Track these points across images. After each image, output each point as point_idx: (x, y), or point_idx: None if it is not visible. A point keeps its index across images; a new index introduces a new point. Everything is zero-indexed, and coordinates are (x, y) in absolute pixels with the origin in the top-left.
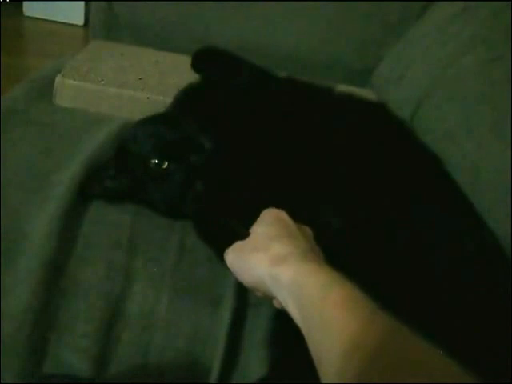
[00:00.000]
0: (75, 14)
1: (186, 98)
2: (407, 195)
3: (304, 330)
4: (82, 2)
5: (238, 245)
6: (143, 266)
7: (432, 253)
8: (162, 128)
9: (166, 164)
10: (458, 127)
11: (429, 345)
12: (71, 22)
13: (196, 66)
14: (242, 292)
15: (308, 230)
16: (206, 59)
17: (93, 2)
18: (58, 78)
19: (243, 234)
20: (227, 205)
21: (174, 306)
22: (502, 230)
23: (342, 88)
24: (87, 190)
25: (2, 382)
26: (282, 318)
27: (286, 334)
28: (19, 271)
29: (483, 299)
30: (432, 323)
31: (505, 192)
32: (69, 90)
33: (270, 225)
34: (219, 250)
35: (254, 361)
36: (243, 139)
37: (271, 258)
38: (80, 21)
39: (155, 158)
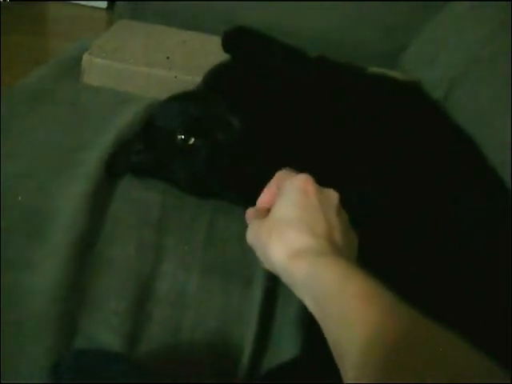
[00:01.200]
0: None
1: (216, 78)
2: (443, 178)
3: (322, 324)
4: None
5: (256, 223)
6: (173, 245)
7: (469, 240)
8: (189, 105)
9: (192, 140)
10: (491, 108)
11: (454, 336)
12: (94, 5)
13: (226, 45)
14: None
15: (332, 197)
16: (236, 39)
17: None
18: (86, 57)
19: None
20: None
21: (204, 284)
22: None
23: (372, 69)
24: (113, 165)
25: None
26: None
27: None
28: (49, 248)
29: None
30: (468, 313)
31: None
32: (96, 69)
33: (291, 204)
34: None
35: (286, 340)
36: (273, 118)
37: (286, 251)
38: (103, 4)
39: (182, 134)
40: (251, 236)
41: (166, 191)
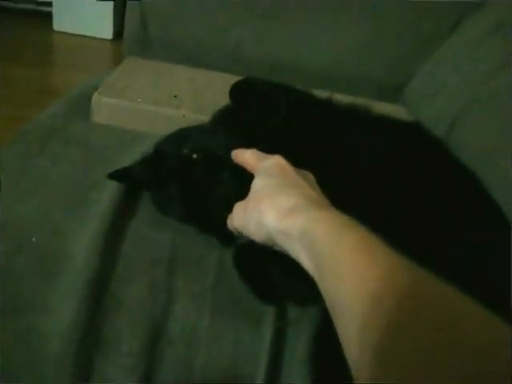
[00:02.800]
0: (104, 29)
1: (222, 117)
2: (448, 216)
3: (319, 282)
4: (111, 17)
5: (240, 204)
6: (184, 284)
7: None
8: (195, 132)
9: (195, 155)
10: (495, 145)
11: (454, 289)
12: (100, 36)
13: (233, 97)
14: (283, 310)
15: (310, 176)
16: (243, 91)
17: (126, 19)
18: (95, 96)
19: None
20: None
21: (215, 324)
22: None
23: (375, 104)
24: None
25: None
26: (323, 335)
27: (327, 351)
28: (64, 289)
29: None
30: None
31: None
32: (106, 108)
33: (271, 176)
34: (256, 288)
35: (296, 379)
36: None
37: (278, 212)
38: (109, 35)
39: (185, 149)
40: (238, 217)
41: (176, 230)
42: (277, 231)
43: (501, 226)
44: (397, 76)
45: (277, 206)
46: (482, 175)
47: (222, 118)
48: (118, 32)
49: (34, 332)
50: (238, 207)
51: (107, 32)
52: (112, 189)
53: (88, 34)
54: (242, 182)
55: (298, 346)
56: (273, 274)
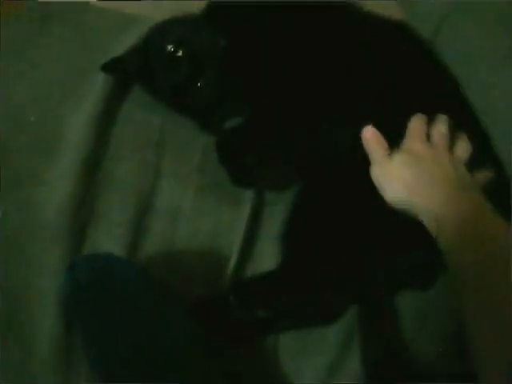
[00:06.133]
0: None
1: (214, 11)
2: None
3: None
4: None
5: (385, 162)
6: (171, 165)
7: None
8: (183, 25)
9: (180, 52)
10: (476, 50)
11: None
12: None
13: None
14: (261, 192)
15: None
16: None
17: None
18: None
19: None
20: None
21: (198, 202)
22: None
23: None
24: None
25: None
26: (295, 216)
27: (297, 231)
28: (60, 166)
29: None
30: None
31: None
32: None
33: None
34: (233, 172)
35: (267, 254)
36: (259, 48)
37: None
38: None
39: (171, 45)
40: (378, 171)
41: (165, 115)
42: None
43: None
44: None
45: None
46: (461, 78)
47: (213, 10)
48: None
49: (31, 203)
50: (382, 163)
51: None
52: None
53: None
54: (227, 80)
55: (272, 226)
56: (249, 160)
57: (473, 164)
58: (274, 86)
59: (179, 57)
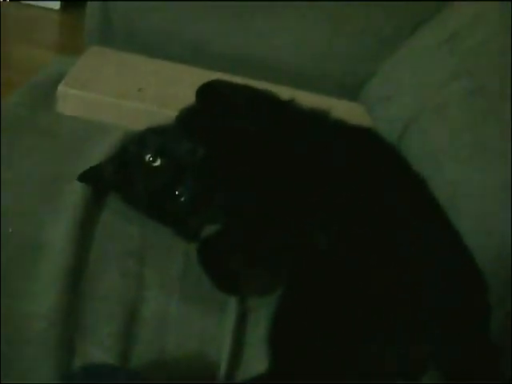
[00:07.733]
0: None
1: (189, 119)
2: (394, 219)
3: None
4: None
5: None
6: (154, 274)
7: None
8: (162, 134)
9: (158, 161)
10: (442, 152)
11: None
12: (46, 5)
13: (199, 100)
14: (244, 298)
15: None
16: (207, 94)
17: (88, 7)
18: (61, 87)
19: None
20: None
21: (183, 309)
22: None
23: (334, 102)
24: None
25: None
26: (279, 320)
27: (283, 335)
28: (44, 276)
29: None
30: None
31: (480, 215)
32: (71, 100)
33: None
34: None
35: (255, 358)
36: (236, 155)
37: None
38: (56, 5)
39: (149, 154)
40: None
41: (143, 223)
42: None
43: (440, 226)
44: (357, 74)
45: None
46: (428, 179)
47: (188, 120)
48: (66, 2)
49: (18, 316)
50: None
51: (55, 2)
52: None
53: (33, 2)
54: (205, 188)
55: (258, 330)
56: (232, 266)
57: None
58: (252, 191)
59: (157, 166)
